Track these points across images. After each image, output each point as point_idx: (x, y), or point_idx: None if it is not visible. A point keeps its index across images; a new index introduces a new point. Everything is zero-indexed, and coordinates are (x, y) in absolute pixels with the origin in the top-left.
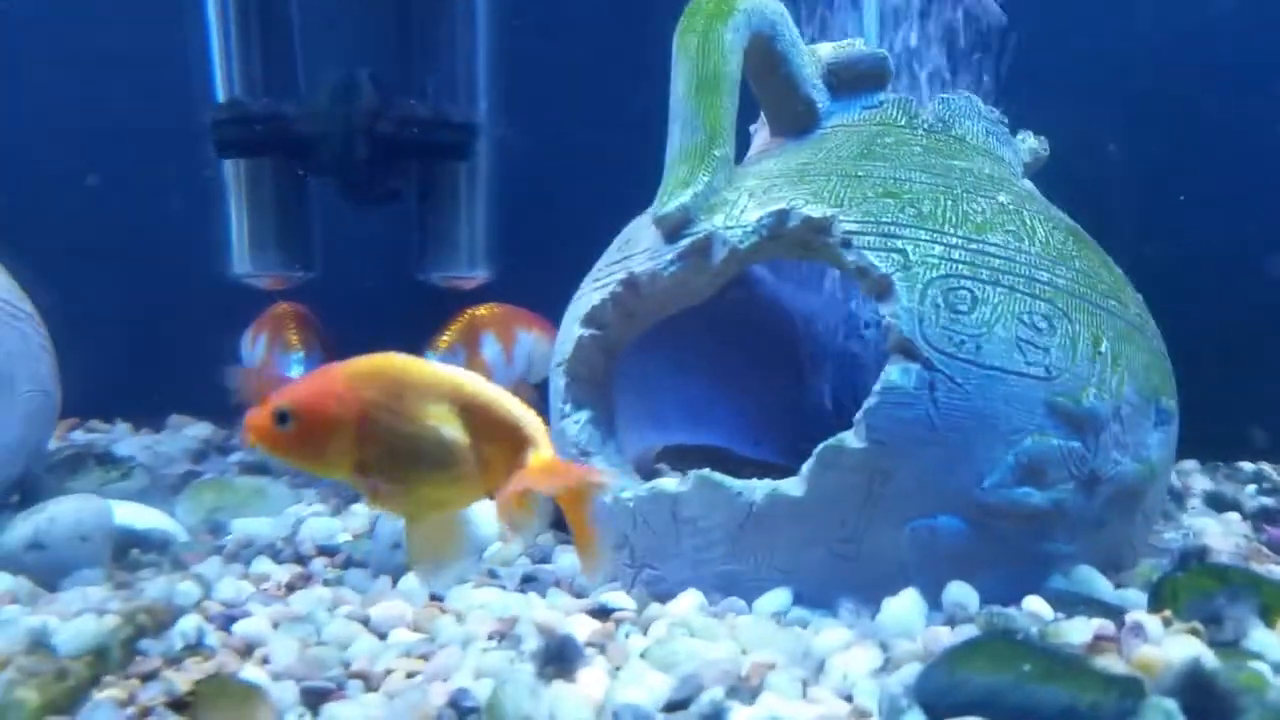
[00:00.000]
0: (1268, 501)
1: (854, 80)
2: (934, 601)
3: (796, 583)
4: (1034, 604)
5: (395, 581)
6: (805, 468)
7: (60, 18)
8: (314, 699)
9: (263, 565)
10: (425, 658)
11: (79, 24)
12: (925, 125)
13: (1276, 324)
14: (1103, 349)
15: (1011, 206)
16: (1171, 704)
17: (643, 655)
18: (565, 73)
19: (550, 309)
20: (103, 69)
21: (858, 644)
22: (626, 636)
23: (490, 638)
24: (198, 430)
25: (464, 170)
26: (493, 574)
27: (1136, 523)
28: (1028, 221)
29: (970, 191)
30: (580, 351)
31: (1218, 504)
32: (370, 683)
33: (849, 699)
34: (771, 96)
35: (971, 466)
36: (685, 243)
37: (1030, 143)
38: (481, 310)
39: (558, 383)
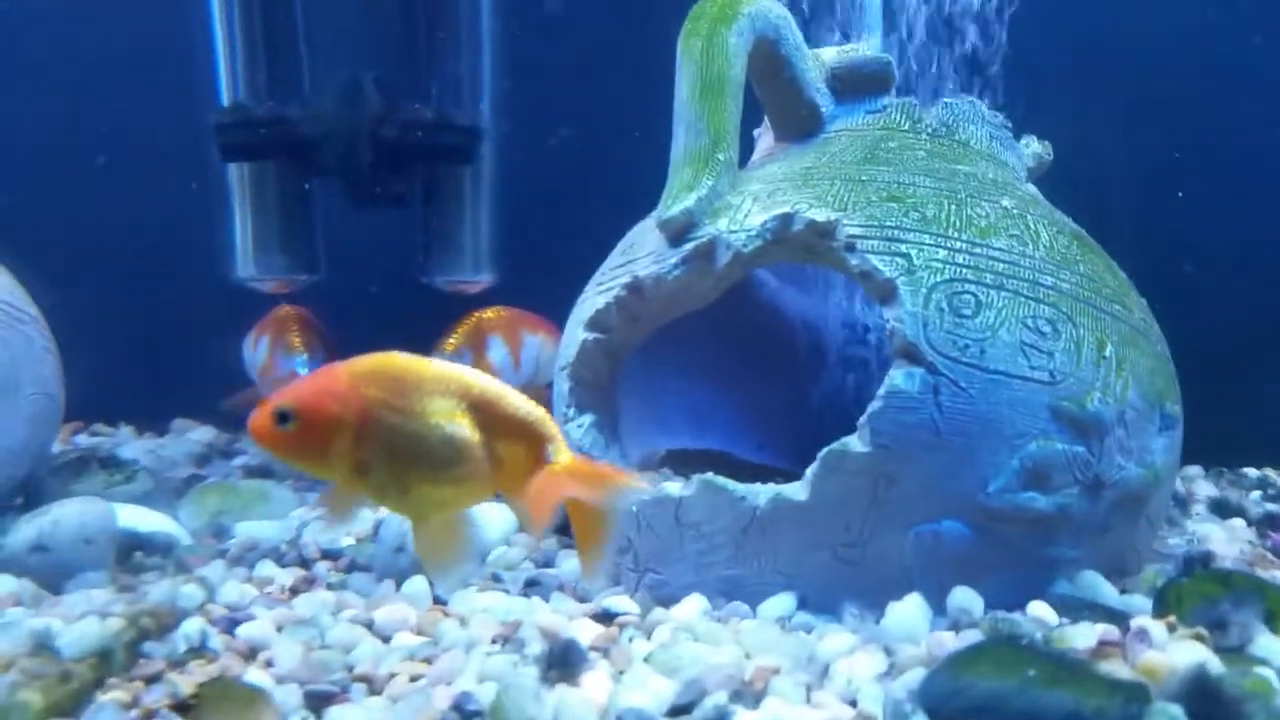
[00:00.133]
0: (1272, 508)
1: (858, 84)
2: (938, 606)
3: (800, 587)
4: (1038, 609)
5: (399, 585)
6: (809, 472)
7: (65, 20)
8: (317, 702)
9: (266, 569)
10: (429, 661)
11: (84, 27)
12: (929, 130)
13: None
14: (1107, 353)
15: (1015, 211)
16: (1177, 709)
17: (646, 659)
18: (569, 75)
19: (554, 312)
20: (108, 72)
21: (862, 649)
22: (630, 641)
23: (494, 641)
24: (201, 434)
25: (468, 173)
26: (496, 578)
27: (1141, 528)
28: (1031, 226)
29: (974, 196)
30: (584, 355)
31: (1222, 510)
32: (374, 686)
33: (853, 704)
34: (775, 100)
35: (976, 471)
36: (689, 247)
37: (1034, 147)
38: (488, 313)
39: (562, 386)
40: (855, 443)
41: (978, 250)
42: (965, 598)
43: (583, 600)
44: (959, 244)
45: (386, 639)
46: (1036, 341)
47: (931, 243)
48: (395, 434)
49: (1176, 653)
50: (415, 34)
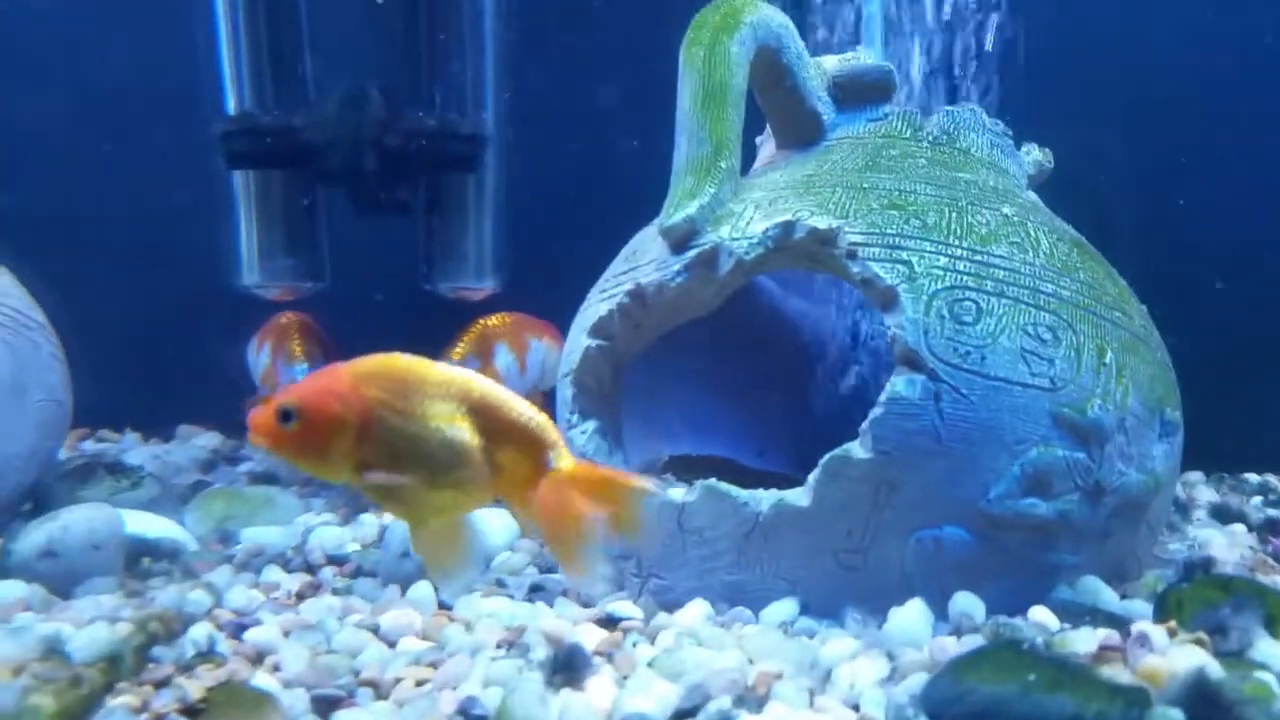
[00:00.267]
0: (1273, 513)
1: (859, 93)
2: (940, 612)
3: (803, 593)
4: (1040, 614)
5: (404, 590)
6: (812, 478)
7: (71, 29)
8: (324, 706)
9: (273, 574)
10: (434, 666)
11: (90, 36)
12: (930, 138)
13: None
14: (1107, 360)
15: (1016, 218)
16: (1177, 714)
17: (650, 664)
18: (572, 83)
19: (556, 318)
20: (113, 80)
21: (864, 654)
22: (634, 646)
23: (499, 646)
24: (206, 440)
25: (472, 181)
26: (500, 583)
27: (1141, 534)
28: (1032, 233)
29: (975, 203)
30: (587, 362)
31: (1223, 516)
32: (380, 690)
33: (856, 709)
34: (777, 109)
35: (977, 477)
36: (691, 254)
37: (1034, 155)
38: (493, 320)
39: (565, 393)
40: (857, 449)
41: (978, 257)
42: (967, 603)
43: (586, 605)
44: (960, 251)
45: (392, 644)
46: (1037, 348)
47: (932, 250)
48: (396, 435)
49: (1177, 657)
50: (419, 42)
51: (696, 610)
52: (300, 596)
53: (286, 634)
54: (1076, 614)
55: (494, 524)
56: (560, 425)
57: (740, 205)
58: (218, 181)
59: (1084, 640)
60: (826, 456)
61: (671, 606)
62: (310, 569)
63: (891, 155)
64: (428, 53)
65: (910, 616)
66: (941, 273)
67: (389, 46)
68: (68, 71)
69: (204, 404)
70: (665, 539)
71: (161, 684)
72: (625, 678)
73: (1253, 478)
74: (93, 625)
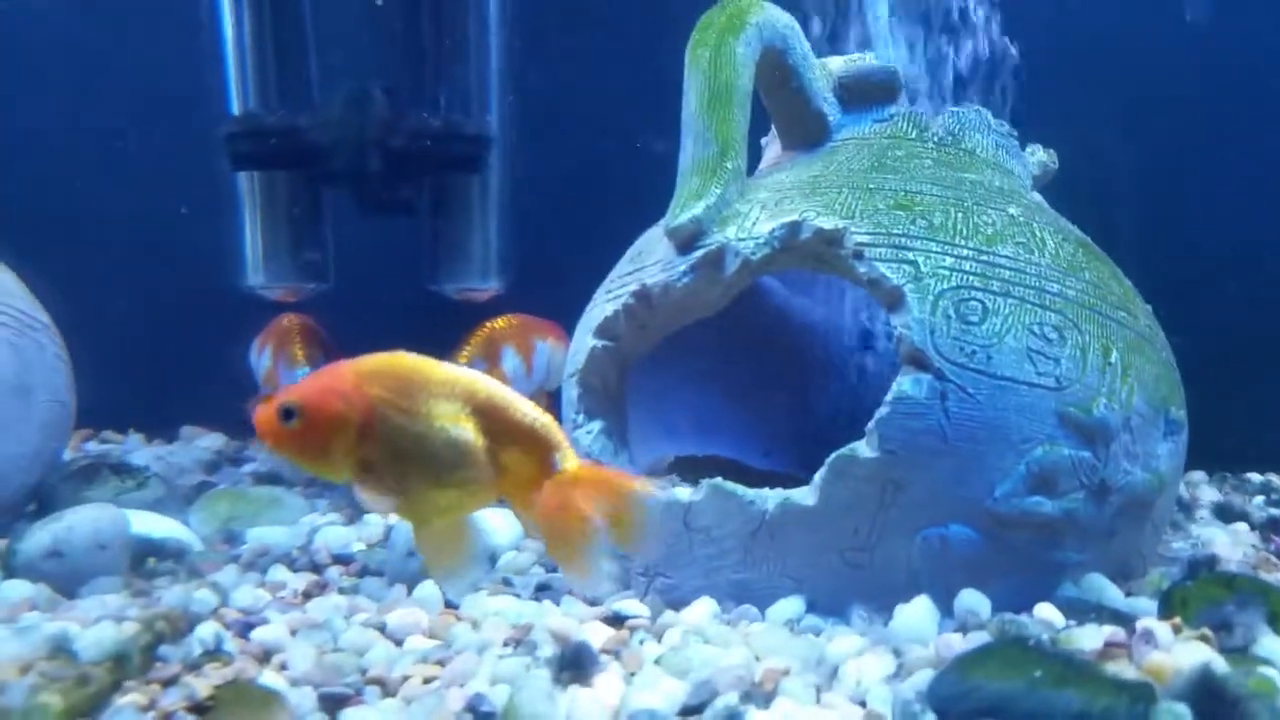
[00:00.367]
0: (1276, 512)
1: (865, 93)
2: (945, 609)
3: (809, 591)
4: (1045, 611)
5: (410, 589)
6: (818, 477)
7: (76, 31)
8: (332, 704)
9: (279, 573)
10: (442, 664)
11: (95, 38)
12: (935, 138)
13: None
14: (1113, 360)
15: (1021, 219)
16: (1183, 709)
17: (657, 661)
18: (576, 83)
19: (560, 317)
20: (119, 82)
21: (870, 651)
22: (641, 643)
23: (505, 644)
24: (210, 441)
25: (476, 182)
26: (507, 582)
27: (1146, 532)
28: (1037, 233)
29: (980, 204)
30: (593, 362)
31: (1226, 514)
32: (387, 688)
33: (862, 704)
34: (783, 109)
35: (983, 476)
36: (698, 254)
37: (1039, 156)
38: (499, 322)
39: (570, 393)
40: (863, 448)
41: (984, 258)
42: (973, 600)
43: (593, 604)
44: (966, 251)
45: (399, 642)
46: (1043, 348)
47: (939, 250)
48: (399, 435)
49: (1182, 654)
50: (423, 42)
51: (703, 608)
52: (307, 596)
53: (293, 633)
54: (1082, 611)
55: (499, 523)
56: (566, 425)
57: (746, 206)
58: (222, 182)
59: (1089, 637)
60: (833, 455)
61: (678, 605)
62: (316, 568)
63: (897, 156)
64: (432, 53)
65: (916, 614)
66: (947, 273)
67: (393, 47)
68: (71, 72)
69: (207, 405)
70: (671, 538)
71: (169, 682)
72: (632, 675)
73: (1255, 477)
74: (99, 624)
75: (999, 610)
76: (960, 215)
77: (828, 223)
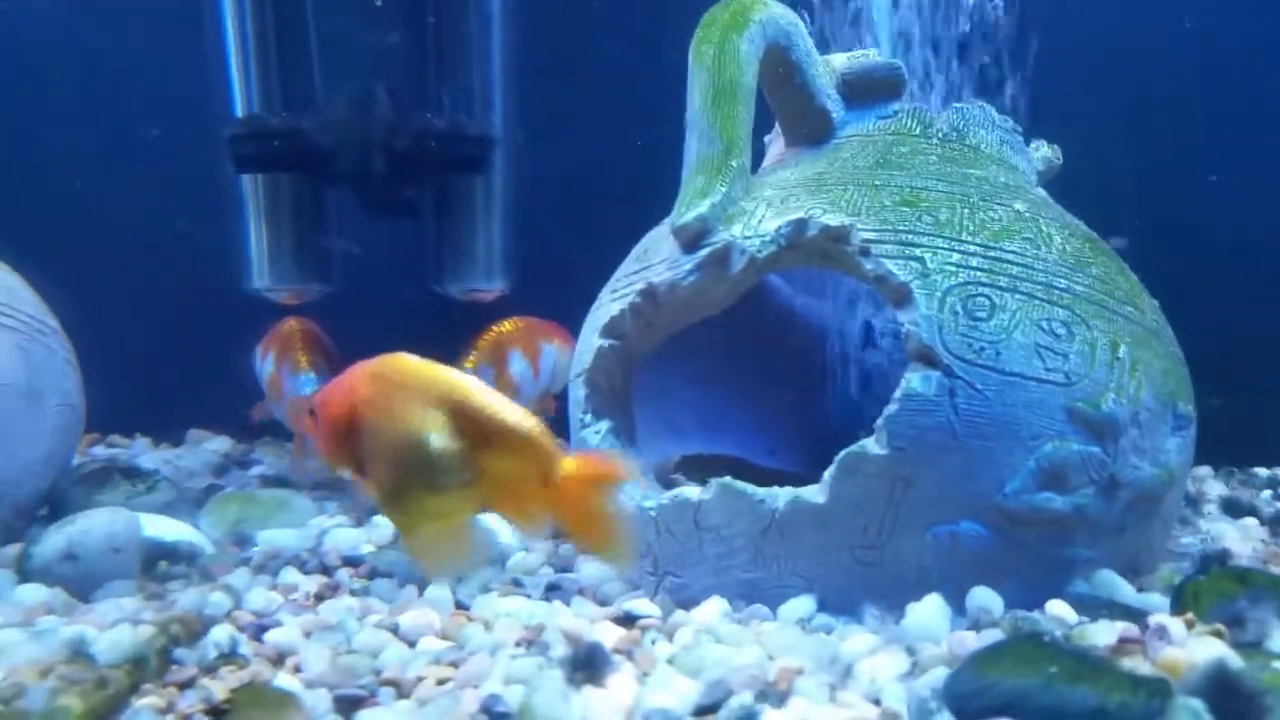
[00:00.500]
0: None
1: (869, 90)
2: (956, 606)
3: (819, 589)
4: (1057, 608)
5: (421, 590)
6: (827, 474)
7: (81, 34)
8: (346, 706)
9: (290, 576)
10: (455, 665)
11: (100, 41)
12: (940, 135)
13: None
14: (1121, 355)
15: (1028, 214)
16: (1198, 704)
17: (670, 661)
18: (579, 83)
19: (565, 318)
20: (124, 85)
21: (884, 649)
22: (653, 643)
23: (518, 645)
24: (216, 444)
25: (480, 182)
26: (517, 583)
27: (1155, 527)
28: (1044, 229)
29: (987, 200)
30: (600, 362)
31: (1234, 509)
32: (402, 690)
33: (877, 703)
34: (787, 107)
35: (993, 472)
36: (704, 252)
37: (1043, 151)
38: (506, 326)
39: (577, 393)
40: (873, 445)
41: (991, 254)
42: (985, 597)
43: (603, 604)
44: (973, 247)
45: (412, 643)
46: (1051, 343)
47: (945, 246)
48: (374, 434)
49: (1196, 649)
50: (427, 44)
51: (714, 607)
52: (319, 598)
53: (307, 635)
54: (1094, 607)
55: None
56: (573, 426)
57: (752, 204)
58: (226, 185)
59: (1102, 633)
60: (842, 453)
61: (688, 604)
62: (326, 570)
63: (902, 152)
64: (436, 54)
65: (928, 611)
66: (955, 269)
67: (397, 48)
68: (77, 76)
69: (213, 408)
70: (682, 537)
71: (186, 685)
72: (646, 674)
73: (1262, 471)
74: (116, 628)
75: (1010, 607)
76: (966, 211)
77: (834, 220)
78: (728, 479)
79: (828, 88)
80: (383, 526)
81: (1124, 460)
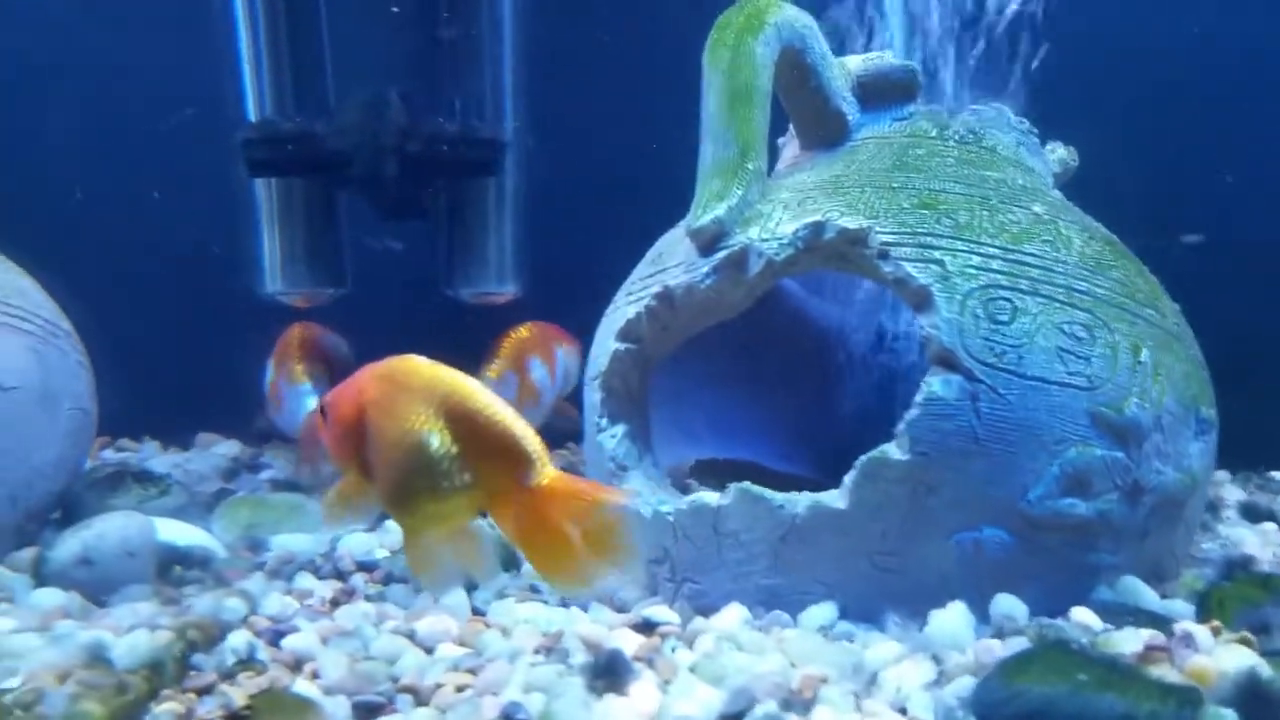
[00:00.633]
0: None
1: (884, 92)
2: (979, 613)
3: (840, 596)
4: (1081, 615)
5: (437, 596)
6: (848, 480)
7: (93, 39)
8: (365, 713)
9: (305, 581)
10: (474, 672)
11: (113, 45)
12: (956, 136)
13: None
14: (1143, 358)
15: (1047, 216)
16: (1230, 713)
17: (691, 669)
18: (591, 85)
19: (571, 321)
20: (135, 88)
21: (909, 657)
22: (673, 650)
23: (536, 652)
24: (226, 448)
25: (492, 186)
26: (534, 589)
27: (1178, 533)
28: (1063, 231)
29: (1006, 202)
30: (616, 365)
31: (1253, 514)
32: (420, 697)
33: (903, 712)
34: (801, 109)
35: (1016, 478)
36: (721, 255)
37: (1059, 153)
38: (522, 332)
39: (593, 397)
40: (894, 450)
41: (1011, 256)
42: (1009, 605)
43: (621, 610)
44: (993, 250)
45: (429, 650)
46: (1073, 347)
47: (965, 249)
48: (377, 436)
49: (1224, 657)
50: (439, 47)
51: (733, 614)
52: (334, 603)
53: (324, 641)
54: (1118, 614)
55: None
56: (589, 429)
57: (768, 206)
58: (239, 188)
59: (1128, 641)
60: (863, 458)
61: (707, 611)
62: (341, 575)
63: (918, 154)
64: (448, 58)
65: (952, 619)
66: (975, 272)
67: (409, 52)
68: (86, 79)
69: (222, 412)
70: (700, 543)
71: (204, 691)
72: (667, 682)
73: (1279, 476)
74: (134, 633)
75: (1033, 614)
76: (985, 213)
77: (852, 222)
78: (747, 484)
79: (843, 90)
80: (395, 531)
81: (1147, 465)
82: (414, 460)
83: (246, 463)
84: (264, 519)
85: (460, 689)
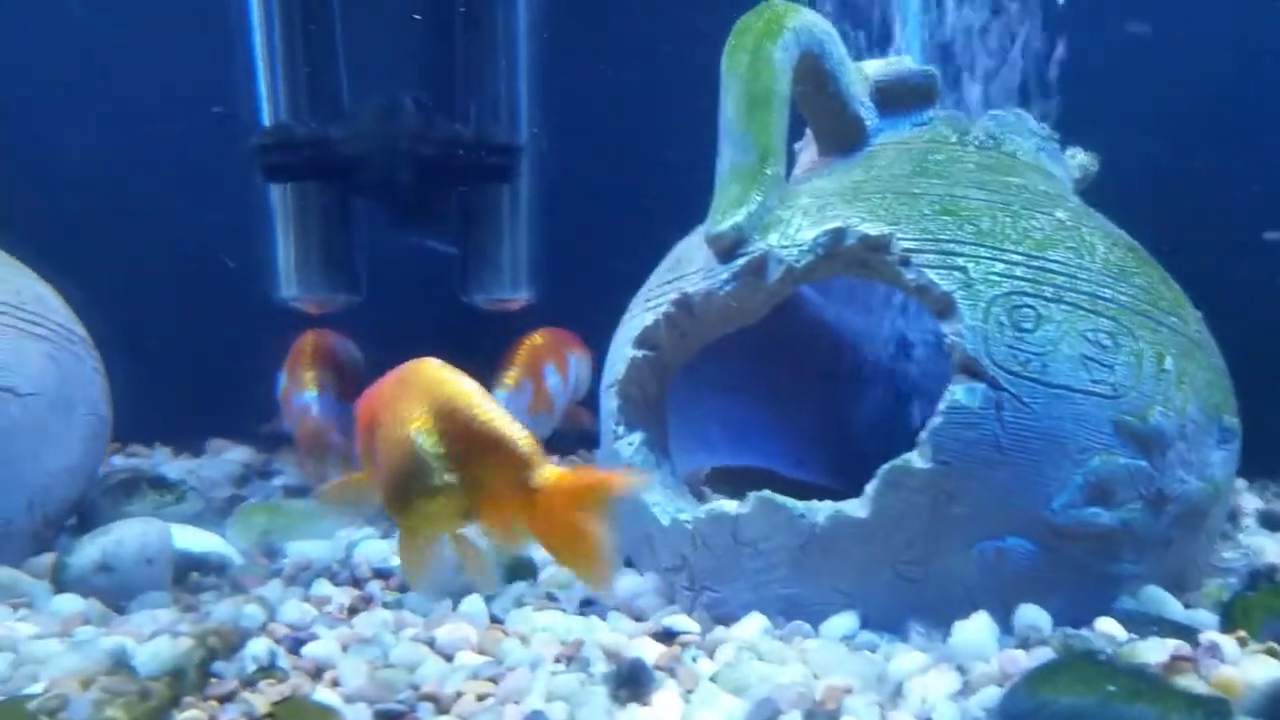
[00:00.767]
0: None
1: (902, 97)
2: (1002, 624)
3: (861, 605)
4: (1106, 625)
5: (455, 604)
6: (869, 488)
7: (108, 45)
8: None
9: (322, 588)
10: (494, 680)
11: (126, 51)
12: (976, 142)
13: None
14: (1167, 366)
15: (1070, 223)
16: None
17: (713, 679)
18: (606, 91)
19: (582, 326)
20: (151, 95)
21: (934, 667)
22: (694, 660)
23: (557, 660)
24: (237, 454)
25: (507, 192)
26: (551, 597)
27: (1201, 542)
28: (1087, 238)
29: (1028, 208)
30: (633, 372)
31: (1272, 523)
32: (440, 705)
33: None
34: (820, 114)
35: (1040, 487)
36: (740, 262)
37: (1080, 159)
38: (537, 339)
39: (610, 404)
40: (916, 459)
41: (1035, 263)
42: (1033, 615)
43: (639, 619)
44: (1016, 257)
45: (449, 657)
46: (1097, 355)
47: (989, 256)
48: (379, 436)
49: (1250, 668)
50: (454, 53)
51: (754, 624)
52: (352, 610)
53: (344, 648)
54: (1143, 624)
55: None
56: (605, 437)
57: (788, 213)
58: (254, 194)
59: (1154, 651)
60: (885, 467)
61: (727, 620)
62: (357, 582)
63: (938, 160)
64: (463, 64)
65: (976, 629)
66: (999, 279)
67: (424, 58)
68: (103, 87)
69: (233, 418)
70: (719, 551)
71: (226, 698)
72: (690, 692)
73: None
74: (155, 639)
75: (1056, 624)
76: (1008, 220)
77: (873, 229)
78: (766, 492)
79: (861, 95)
80: None
81: (1171, 474)
82: (406, 459)
83: (258, 469)
84: (279, 525)
85: (481, 697)
